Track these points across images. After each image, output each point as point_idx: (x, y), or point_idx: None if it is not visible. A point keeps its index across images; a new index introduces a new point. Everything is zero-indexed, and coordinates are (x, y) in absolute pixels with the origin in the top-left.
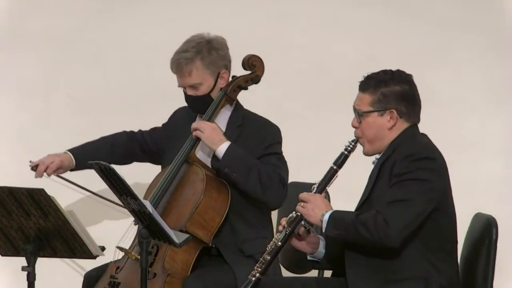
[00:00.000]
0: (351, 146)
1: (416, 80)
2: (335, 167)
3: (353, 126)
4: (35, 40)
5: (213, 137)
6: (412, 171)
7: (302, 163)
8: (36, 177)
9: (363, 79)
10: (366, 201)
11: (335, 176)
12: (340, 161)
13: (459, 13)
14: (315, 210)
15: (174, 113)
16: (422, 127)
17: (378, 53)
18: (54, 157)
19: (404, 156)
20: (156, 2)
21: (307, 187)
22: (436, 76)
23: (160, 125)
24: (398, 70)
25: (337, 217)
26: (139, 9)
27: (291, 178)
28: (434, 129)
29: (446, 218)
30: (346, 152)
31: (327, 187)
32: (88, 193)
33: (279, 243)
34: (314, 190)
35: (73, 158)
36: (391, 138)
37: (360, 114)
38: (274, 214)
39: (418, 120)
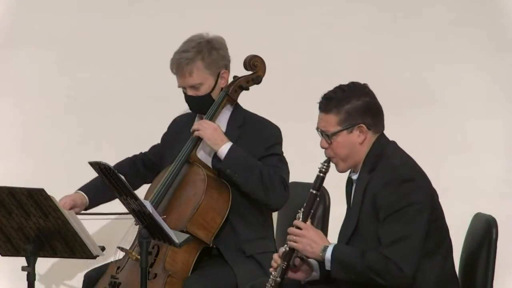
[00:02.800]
0: (324, 167)
1: (416, 80)
2: (314, 192)
3: (322, 147)
4: (35, 40)
5: (215, 138)
6: (398, 200)
7: (302, 163)
8: None
9: (321, 100)
10: (355, 232)
11: (316, 200)
12: (318, 185)
13: (460, 13)
14: (313, 246)
15: (173, 121)
16: (423, 128)
17: (378, 53)
18: (65, 199)
19: (384, 184)
20: (156, 2)
21: (307, 187)
22: (436, 76)
23: (158, 127)
24: (352, 83)
25: (344, 260)
26: (139, 9)
27: (291, 178)
28: (434, 129)
29: (437, 226)
30: (321, 175)
31: (311, 213)
32: (110, 216)
33: (279, 279)
34: (300, 219)
35: (85, 196)
36: (363, 152)
37: (329, 136)
38: (275, 215)
39: (383, 127)
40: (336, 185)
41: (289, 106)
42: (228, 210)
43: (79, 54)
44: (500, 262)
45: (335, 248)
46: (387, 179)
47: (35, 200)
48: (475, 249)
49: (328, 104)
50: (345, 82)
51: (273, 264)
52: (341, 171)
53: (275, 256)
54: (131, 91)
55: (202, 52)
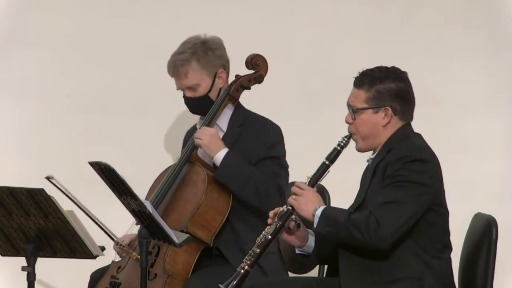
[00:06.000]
0: (344, 141)
1: (416, 80)
2: (327, 162)
3: (347, 122)
4: (35, 40)
5: (211, 144)
6: (405, 174)
7: (301, 163)
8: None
9: (358, 75)
10: (361, 204)
11: (327, 171)
12: (333, 156)
13: (459, 13)
14: (308, 205)
15: (185, 135)
16: (423, 127)
17: (377, 53)
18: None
19: (398, 158)
20: (156, 2)
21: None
22: (436, 76)
23: (158, 126)
24: (393, 67)
25: (329, 214)
26: (139, 9)
27: (291, 178)
28: (434, 129)
29: (439, 218)
30: (338, 148)
31: (319, 182)
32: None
33: (269, 236)
34: (306, 184)
35: None
36: (385, 136)
37: (354, 111)
38: None
39: (411, 118)
40: (336, 185)
41: (289, 105)
42: (228, 210)
43: (79, 54)
44: (500, 262)
45: (327, 207)
46: (402, 154)
47: (35, 200)
48: (475, 249)
49: (362, 79)
50: (344, 82)
51: (268, 221)
52: (359, 149)
53: (270, 213)
54: (132, 91)
55: (197, 53)
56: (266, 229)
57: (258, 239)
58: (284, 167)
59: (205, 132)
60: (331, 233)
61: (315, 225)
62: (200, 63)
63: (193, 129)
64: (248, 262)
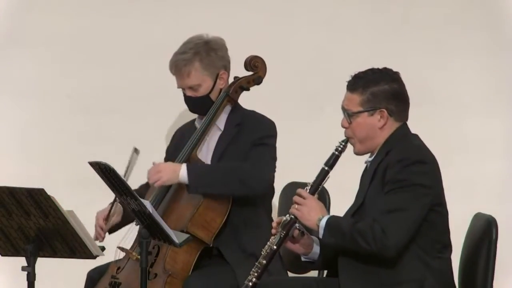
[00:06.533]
0: (341, 146)
1: (416, 80)
2: (326, 168)
3: (343, 127)
4: (35, 40)
5: (167, 174)
6: (406, 177)
7: (301, 163)
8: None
9: (350, 78)
10: (361, 206)
11: (327, 177)
12: (331, 162)
13: (459, 13)
14: (311, 214)
15: (175, 133)
16: (423, 127)
17: (378, 53)
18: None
19: (397, 160)
20: (157, 1)
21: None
22: (436, 76)
23: (158, 126)
24: (385, 68)
25: (334, 224)
26: (139, 9)
27: (291, 178)
28: (434, 129)
29: (439, 218)
30: (337, 153)
31: (319, 188)
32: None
33: (274, 246)
34: (307, 192)
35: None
36: (383, 137)
37: (350, 115)
38: (275, 214)
39: (407, 118)
40: (336, 186)
41: (289, 105)
42: (228, 210)
43: (79, 54)
44: (500, 262)
45: (331, 216)
46: (401, 157)
47: (35, 200)
48: (475, 249)
49: (355, 83)
50: (345, 82)
51: (272, 231)
52: (357, 152)
53: (274, 222)
54: (132, 91)
55: (200, 53)
56: (270, 239)
57: (264, 250)
58: (270, 149)
59: (154, 171)
60: (337, 243)
61: (320, 236)
62: (202, 64)
63: (186, 126)
64: (256, 274)
